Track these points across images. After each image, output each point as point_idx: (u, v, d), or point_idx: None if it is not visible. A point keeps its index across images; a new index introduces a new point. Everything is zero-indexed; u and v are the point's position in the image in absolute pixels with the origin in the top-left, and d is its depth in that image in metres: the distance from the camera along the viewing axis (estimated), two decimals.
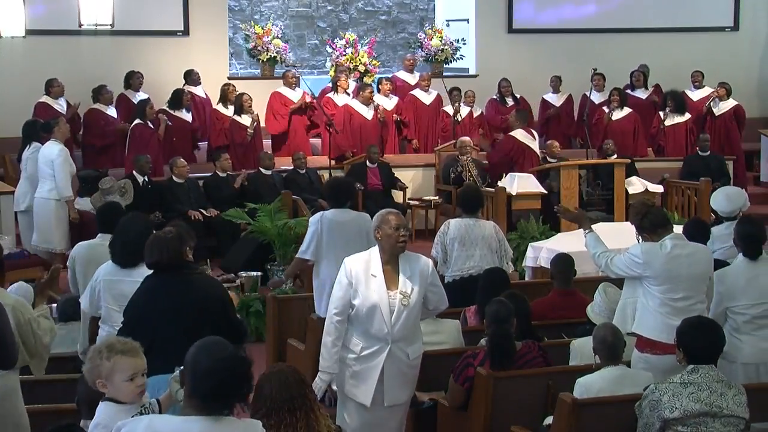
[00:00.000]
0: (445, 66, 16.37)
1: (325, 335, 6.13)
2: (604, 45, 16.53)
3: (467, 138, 13.72)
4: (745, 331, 6.43)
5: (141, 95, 14.14)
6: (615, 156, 13.42)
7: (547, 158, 13.57)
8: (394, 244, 6.10)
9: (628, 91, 15.63)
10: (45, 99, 13.44)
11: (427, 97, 15.09)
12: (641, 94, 15.75)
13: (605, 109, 14.92)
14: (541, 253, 10.04)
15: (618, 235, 8.53)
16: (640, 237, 6.77)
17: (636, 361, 6.30)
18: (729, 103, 15.28)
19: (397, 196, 13.64)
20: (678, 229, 7.14)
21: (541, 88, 15.77)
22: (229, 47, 16.31)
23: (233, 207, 11.40)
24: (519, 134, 13.35)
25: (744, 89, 16.61)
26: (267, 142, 14.36)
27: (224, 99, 14.20)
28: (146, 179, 12.06)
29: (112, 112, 13.73)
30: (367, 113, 14.16)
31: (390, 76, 15.97)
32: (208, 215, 12.01)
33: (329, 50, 16.30)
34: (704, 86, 15.73)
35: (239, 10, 19.40)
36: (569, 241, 10.08)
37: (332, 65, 15.88)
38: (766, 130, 15.60)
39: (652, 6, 16.98)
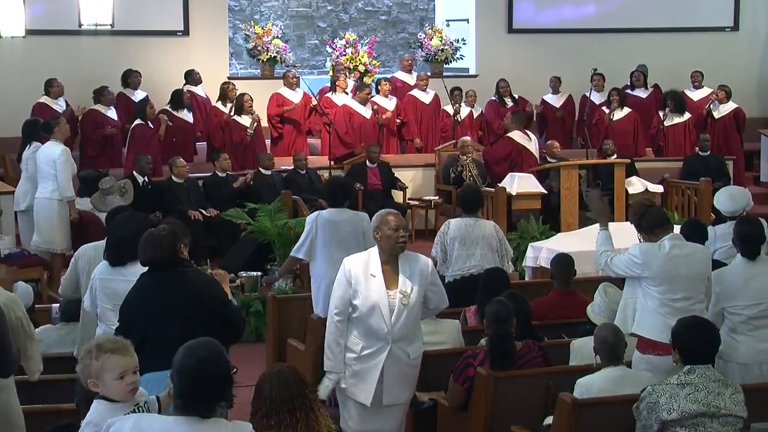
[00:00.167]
0: (445, 66, 16.37)
1: (327, 336, 6.16)
2: (604, 45, 16.53)
3: (468, 138, 13.72)
4: (741, 331, 6.43)
5: (140, 93, 14.14)
6: (615, 156, 13.42)
7: (547, 158, 13.57)
8: (394, 245, 6.10)
9: (628, 90, 15.65)
10: (44, 99, 13.44)
11: (426, 97, 15.09)
12: (641, 93, 15.76)
13: (605, 109, 14.92)
14: (541, 253, 10.04)
15: (618, 235, 8.49)
16: (640, 237, 6.77)
17: (637, 362, 6.30)
18: (729, 106, 15.26)
19: (397, 196, 13.63)
20: (676, 229, 7.15)
21: (541, 89, 15.77)
22: (229, 47, 16.31)
23: (233, 207, 11.40)
24: (516, 135, 13.35)
25: (744, 89, 16.61)
26: (268, 142, 14.37)
27: (224, 97, 14.20)
28: (146, 179, 12.06)
29: (112, 113, 13.72)
30: (366, 112, 14.17)
31: (389, 76, 15.96)
32: (208, 215, 12.00)
33: (329, 50, 16.30)
34: (703, 86, 15.74)
35: (239, 10, 19.40)
36: (569, 241, 10.09)
37: (332, 65, 15.88)
38: (766, 130, 15.60)
39: (652, 6, 16.98)
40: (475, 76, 16.40)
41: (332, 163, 13.42)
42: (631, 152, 14.34)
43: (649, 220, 6.58)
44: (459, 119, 14.71)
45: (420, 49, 16.46)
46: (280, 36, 15.88)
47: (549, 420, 5.94)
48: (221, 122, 13.88)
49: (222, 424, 3.96)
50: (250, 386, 4.49)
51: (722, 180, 13.76)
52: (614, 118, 14.69)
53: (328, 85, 15.11)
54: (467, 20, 16.91)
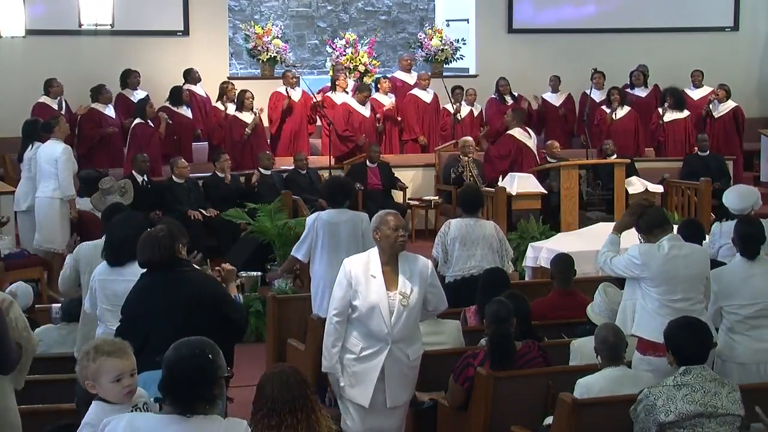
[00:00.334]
0: (445, 66, 16.37)
1: (325, 336, 6.15)
2: (604, 45, 16.54)
3: (469, 138, 13.72)
4: (738, 330, 6.44)
5: (139, 93, 14.14)
6: (615, 156, 13.42)
7: (547, 158, 13.56)
8: (393, 244, 6.10)
9: (628, 89, 15.66)
10: (43, 99, 13.43)
11: (427, 96, 15.09)
12: (641, 92, 15.76)
13: (605, 109, 14.92)
14: (541, 253, 10.04)
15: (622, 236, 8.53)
16: (641, 238, 6.77)
17: (638, 363, 6.29)
18: (728, 105, 15.26)
19: (397, 196, 13.63)
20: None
21: (541, 88, 15.78)
22: (229, 47, 16.31)
23: (233, 207, 11.40)
24: (517, 133, 13.32)
25: (744, 89, 16.61)
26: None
27: (223, 97, 14.20)
28: (145, 179, 12.05)
29: (109, 111, 13.71)
30: (365, 111, 14.18)
31: (389, 76, 15.96)
32: (208, 215, 12.00)
33: (329, 50, 16.31)
34: (703, 86, 15.74)
35: (239, 10, 19.41)
36: (569, 241, 10.09)
37: (332, 65, 15.89)
38: (766, 130, 15.60)
39: (652, 6, 16.98)
40: (475, 76, 16.40)
41: (333, 162, 13.42)
42: (632, 152, 14.34)
43: (648, 220, 6.58)
44: (459, 118, 14.71)
45: (420, 49, 16.46)
46: (280, 36, 15.88)
47: (549, 420, 5.94)
48: (220, 120, 13.87)
49: (216, 421, 3.99)
50: (250, 386, 4.49)
51: (722, 180, 13.78)
52: (616, 117, 14.69)
53: (329, 84, 15.11)
54: (467, 20, 16.91)
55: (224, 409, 5.17)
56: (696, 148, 14.35)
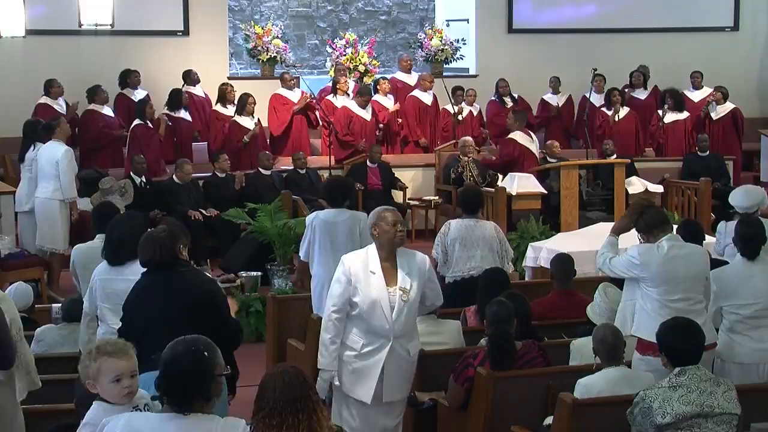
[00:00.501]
0: (445, 66, 16.36)
1: (323, 333, 6.13)
2: (604, 45, 16.54)
3: (469, 138, 13.72)
4: (738, 330, 6.45)
5: (139, 93, 14.14)
6: (615, 156, 13.42)
7: (547, 158, 13.56)
8: (393, 239, 6.11)
9: (626, 90, 15.66)
10: (45, 99, 13.43)
11: (428, 97, 15.08)
12: (641, 94, 15.76)
13: (605, 110, 14.90)
14: (541, 253, 10.04)
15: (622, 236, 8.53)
16: (640, 238, 6.77)
17: (637, 363, 6.29)
18: (726, 107, 15.25)
19: (397, 196, 13.63)
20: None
21: (541, 88, 15.78)
22: (229, 47, 16.30)
23: (233, 207, 11.40)
24: (518, 136, 13.31)
25: (744, 89, 16.62)
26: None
27: (223, 99, 14.19)
28: (143, 179, 12.04)
29: (107, 111, 13.72)
30: (366, 115, 14.17)
31: (389, 77, 15.96)
32: (208, 215, 12.00)
33: (329, 50, 16.30)
34: (703, 87, 15.74)
35: (239, 10, 19.41)
36: (569, 241, 10.09)
37: (332, 65, 15.88)
38: (766, 130, 15.60)
39: (652, 6, 16.97)
40: (475, 76, 16.40)
41: (333, 162, 13.42)
42: (632, 152, 14.35)
43: (647, 220, 6.59)
44: (461, 119, 14.71)
45: (420, 49, 16.46)
46: (280, 36, 15.88)
47: (549, 420, 5.94)
48: (224, 127, 13.82)
49: (214, 420, 4.00)
50: (250, 386, 4.49)
51: (722, 180, 13.79)
52: (619, 119, 14.69)
53: (330, 85, 15.10)
54: (467, 20, 16.91)
55: (227, 407, 5.19)
56: (696, 148, 14.35)
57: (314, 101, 14.27)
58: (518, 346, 6.35)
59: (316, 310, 7.87)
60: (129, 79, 14.24)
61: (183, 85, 14.38)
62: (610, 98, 14.91)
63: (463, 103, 14.88)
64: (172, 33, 15.18)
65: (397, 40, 20.29)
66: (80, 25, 13.61)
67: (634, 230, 6.78)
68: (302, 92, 14.49)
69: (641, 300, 6.45)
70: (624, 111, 14.83)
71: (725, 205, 12.85)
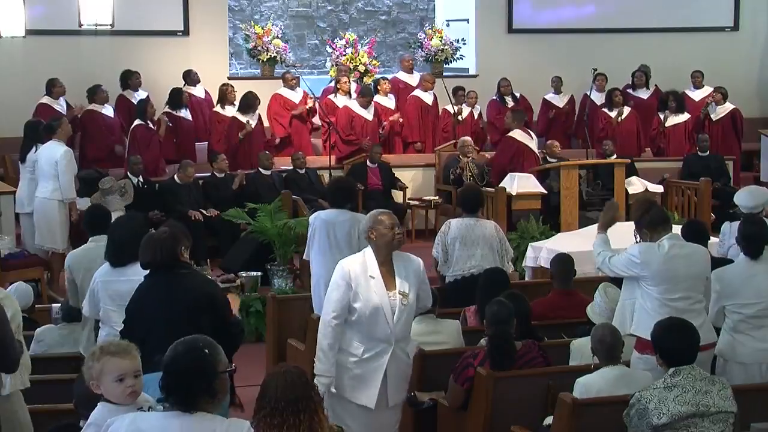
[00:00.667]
0: (445, 66, 16.36)
1: (322, 339, 6.04)
2: (604, 45, 16.53)
3: (468, 138, 13.71)
4: (741, 330, 6.46)
5: (140, 94, 14.13)
6: (615, 156, 13.42)
7: (547, 158, 13.55)
8: (391, 242, 6.08)
9: (629, 90, 15.66)
10: (46, 100, 13.43)
11: (429, 98, 15.07)
12: (642, 94, 15.76)
13: (606, 110, 14.89)
14: (541, 253, 10.04)
15: (618, 235, 8.53)
16: (638, 236, 6.78)
17: (636, 362, 6.30)
18: (726, 108, 15.24)
19: (397, 196, 13.63)
20: (676, 229, 7.15)
21: (541, 88, 15.77)
22: (229, 47, 16.30)
23: (233, 207, 11.40)
24: (517, 134, 13.29)
25: (744, 89, 16.62)
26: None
27: (223, 100, 14.18)
28: (140, 180, 12.03)
29: (107, 111, 13.72)
30: (367, 115, 14.17)
31: (390, 77, 15.96)
32: (209, 215, 12.00)
33: (329, 50, 16.29)
34: (704, 86, 15.73)
35: (239, 10, 19.41)
36: (569, 241, 10.09)
37: (332, 65, 15.88)
38: (766, 130, 15.60)
39: (652, 6, 16.97)
40: (475, 76, 16.39)
41: (333, 162, 13.41)
42: (634, 152, 14.35)
43: (654, 216, 6.64)
44: (460, 119, 14.70)
45: (420, 49, 16.45)
46: (280, 36, 15.87)
47: (549, 420, 5.94)
48: (225, 127, 13.82)
49: (218, 420, 4.00)
50: (250, 386, 4.50)
51: (722, 180, 13.79)
52: (622, 119, 14.70)
53: (333, 85, 15.09)
54: (467, 20, 16.90)
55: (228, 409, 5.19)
56: (696, 148, 14.35)
57: (312, 108, 14.24)
58: (518, 346, 6.35)
59: (316, 309, 7.87)
60: (130, 80, 14.24)
61: (184, 85, 14.38)
62: (611, 98, 14.90)
63: (464, 104, 14.87)
64: (172, 33, 15.18)
65: (397, 40, 20.29)
66: (80, 25, 13.61)
67: (631, 230, 6.79)
68: (303, 92, 14.49)
69: (641, 299, 6.45)
70: (626, 111, 14.84)
71: (725, 205, 12.94)
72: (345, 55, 15.76)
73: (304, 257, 8.55)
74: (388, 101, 14.72)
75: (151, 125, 13.18)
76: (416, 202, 13.61)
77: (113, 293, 6.28)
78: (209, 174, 12.65)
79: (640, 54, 16.36)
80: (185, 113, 13.93)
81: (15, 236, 11.24)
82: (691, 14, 17.08)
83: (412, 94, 15.15)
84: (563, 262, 7.83)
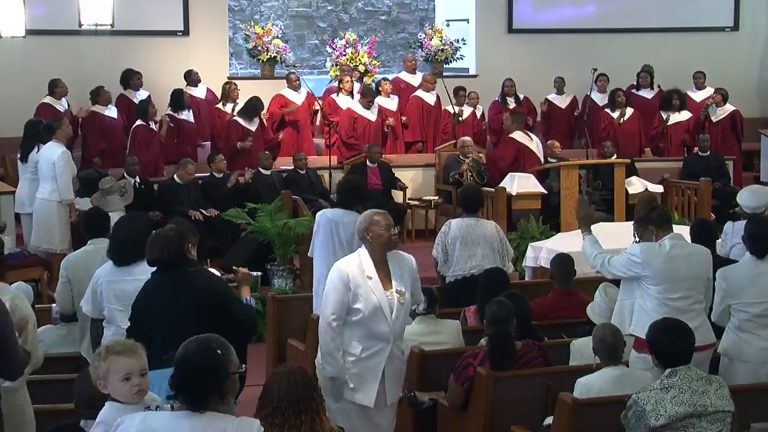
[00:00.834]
0: (445, 66, 16.36)
1: (328, 341, 6.01)
2: (604, 45, 16.53)
3: (468, 138, 13.71)
4: (746, 329, 6.46)
5: (141, 94, 14.13)
6: (615, 156, 13.42)
7: (548, 158, 13.55)
8: (388, 243, 6.08)
9: (633, 90, 15.67)
10: (48, 99, 13.43)
11: (430, 98, 15.07)
12: (647, 94, 15.76)
13: (608, 111, 14.89)
14: (541, 253, 10.05)
15: (618, 236, 8.55)
16: (637, 237, 6.79)
17: (634, 361, 6.31)
18: (726, 109, 15.23)
19: (397, 196, 13.63)
20: (679, 229, 7.17)
21: (542, 88, 15.75)
22: (229, 47, 16.30)
23: (233, 207, 11.40)
24: (518, 136, 13.30)
25: (744, 89, 16.62)
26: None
27: (225, 98, 14.19)
28: (137, 180, 12.01)
29: (110, 112, 13.72)
30: (370, 116, 14.16)
31: (392, 77, 15.97)
32: (209, 215, 11.99)
33: (329, 50, 16.30)
34: (706, 87, 15.73)
35: (239, 10, 19.41)
36: (569, 241, 10.08)
37: (332, 65, 15.88)
38: (766, 130, 15.61)
39: (652, 6, 16.97)
40: (475, 76, 16.39)
41: (333, 163, 13.41)
42: (637, 153, 14.36)
43: (660, 214, 6.68)
44: (461, 119, 14.70)
45: (420, 49, 16.45)
46: (280, 36, 15.87)
47: (549, 420, 5.94)
48: (224, 124, 13.82)
49: (228, 419, 4.01)
50: (250, 386, 4.50)
51: (722, 180, 13.79)
52: (625, 120, 14.71)
53: (335, 85, 15.09)
54: (467, 20, 16.90)
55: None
56: (696, 148, 14.35)
57: (320, 107, 14.26)
58: (518, 346, 6.35)
59: (315, 308, 7.86)
60: (131, 80, 14.23)
61: (185, 86, 14.39)
62: (614, 99, 14.90)
63: (465, 105, 14.87)
64: (172, 33, 15.18)
65: (397, 40, 20.29)
66: (80, 25, 13.61)
67: (628, 230, 6.80)
68: (307, 93, 14.50)
69: (640, 299, 6.46)
70: (629, 112, 14.84)
71: (725, 205, 12.95)
72: (345, 55, 15.77)
73: (308, 254, 8.52)
74: (390, 102, 14.71)
75: (152, 125, 13.18)
76: (416, 202, 13.61)
77: (119, 293, 6.27)
78: (208, 174, 12.65)
79: (640, 54, 16.35)
80: (187, 115, 13.92)
81: (15, 236, 11.24)
82: (691, 14, 17.08)
83: (413, 94, 15.15)
84: (563, 262, 7.83)
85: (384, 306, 6.02)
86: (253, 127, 13.62)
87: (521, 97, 15.37)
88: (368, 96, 14.23)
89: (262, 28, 15.83)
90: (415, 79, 15.62)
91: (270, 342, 8.59)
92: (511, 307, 6.34)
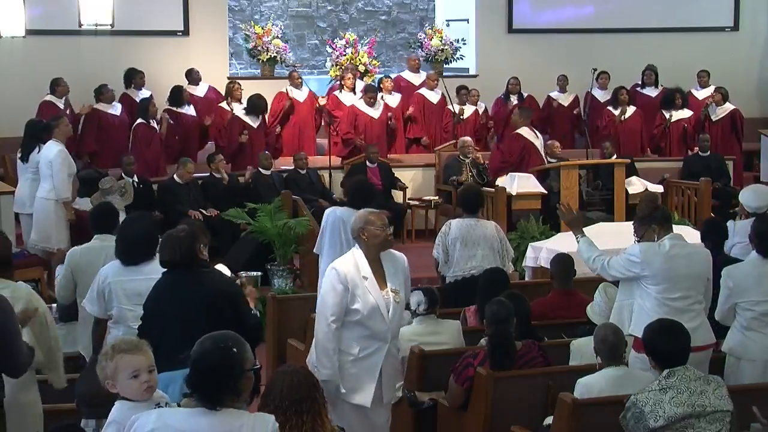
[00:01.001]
0: (445, 66, 16.36)
1: (326, 343, 6.01)
2: (604, 45, 16.53)
3: (468, 138, 13.71)
4: (752, 327, 6.48)
5: (144, 93, 14.14)
6: (615, 156, 13.41)
7: (548, 158, 13.54)
8: (384, 242, 6.10)
9: (638, 89, 15.68)
10: (50, 98, 13.44)
11: (433, 96, 15.06)
12: (651, 92, 15.76)
13: (611, 109, 14.90)
14: (541, 253, 10.05)
15: (618, 236, 8.55)
16: (637, 236, 6.79)
17: (633, 361, 6.30)
18: (726, 108, 15.24)
19: (397, 196, 13.63)
20: (679, 229, 7.17)
21: (542, 88, 15.76)
22: (229, 47, 16.30)
23: (233, 207, 11.40)
24: (525, 132, 13.22)
25: (744, 89, 16.62)
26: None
27: (229, 97, 14.18)
28: (135, 180, 12.01)
29: (114, 110, 13.72)
30: (373, 113, 14.15)
31: (394, 76, 15.97)
32: (209, 215, 11.99)
33: (329, 50, 16.30)
34: (710, 85, 15.73)
35: (239, 10, 19.40)
36: (569, 241, 10.05)
37: (332, 65, 15.89)
38: (766, 130, 15.61)
39: (652, 6, 16.97)
40: (475, 76, 16.39)
41: (335, 163, 13.41)
42: (638, 152, 14.35)
43: (665, 213, 6.70)
44: (462, 119, 14.69)
45: (420, 49, 16.46)
46: (280, 36, 15.87)
47: (549, 420, 5.94)
48: (225, 122, 13.83)
49: (244, 415, 4.02)
50: None
51: (722, 180, 13.79)
52: (625, 117, 14.71)
53: (338, 83, 15.08)
54: (467, 20, 16.90)
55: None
56: (697, 148, 14.36)
57: (324, 105, 14.28)
58: (518, 346, 6.36)
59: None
60: (134, 79, 14.24)
61: (187, 85, 14.39)
62: (617, 97, 14.91)
63: (467, 104, 14.86)
64: (172, 33, 15.17)
65: (397, 40, 20.28)
66: (80, 25, 13.61)
67: (627, 230, 6.80)
68: (309, 91, 14.51)
69: (640, 299, 6.47)
70: (630, 110, 14.85)
71: (725, 205, 12.96)
72: (345, 55, 15.77)
73: (314, 250, 8.53)
74: (392, 99, 14.71)
75: (154, 124, 13.18)
76: (416, 202, 13.61)
77: (131, 292, 6.25)
78: (208, 174, 12.65)
79: (640, 54, 16.35)
80: (187, 109, 13.93)
81: (15, 236, 11.23)
82: (691, 14, 17.08)
83: (417, 92, 15.15)
84: (563, 262, 7.83)
85: (381, 305, 6.03)
86: (255, 124, 13.63)
87: (525, 95, 15.37)
88: (370, 92, 14.22)
89: (262, 28, 15.83)
90: (416, 78, 15.63)
91: (270, 342, 8.59)
92: (511, 307, 6.34)
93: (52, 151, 10.76)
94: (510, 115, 14.39)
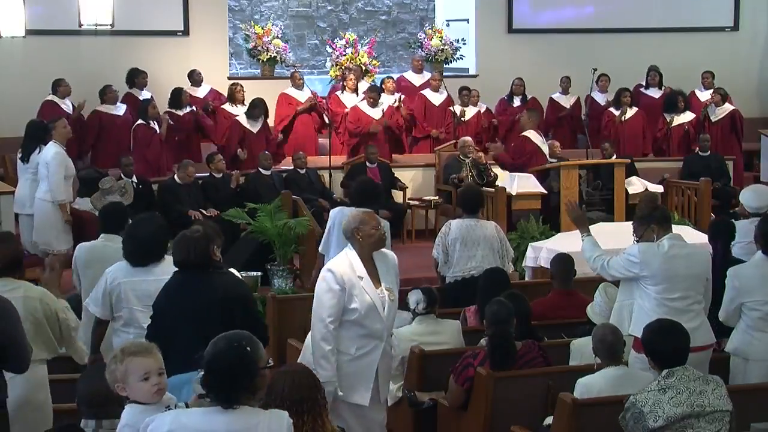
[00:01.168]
0: (445, 66, 16.36)
1: (324, 344, 6.00)
2: (604, 45, 16.54)
3: (468, 138, 13.70)
4: (758, 327, 6.48)
5: (146, 94, 14.14)
6: (615, 156, 13.41)
7: (548, 158, 13.53)
8: (378, 241, 6.12)
9: (642, 89, 15.68)
10: (52, 98, 13.44)
11: (437, 98, 15.04)
12: (654, 93, 15.76)
13: (612, 110, 14.90)
14: (541, 253, 10.05)
15: (618, 236, 8.55)
16: (636, 236, 6.80)
17: (633, 361, 6.31)
18: (725, 109, 15.23)
19: (397, 196, 13.63)
20: (679, 229, 7.17)
21: (542, 88, 15.75)
22: (229, 47, 16.31)
23: (233, 207, 11.39)
24: (532, 135, 13.18)
25: (744, 89, 16.63)
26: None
27: (232, 99, 14.19)
28: (133, 180, 12.00)
29: (118, 111, 13.72)
30: (375, 114, 14.15)
31: (396, 76, 15.97)
32: (209, 215, 11.99)
33: (329, 50, 16.30)
34: (714, 86, 15.73)
35: (239, 10, 19.40)
36: (569, 241, 10.07)
37: (332, 65, 15.89)
38: (766, 130, 15.61)
39: (652, 6, 16.98)
40: (475, 76, 16.39)
41: (335, 163, 13.41)
42: (639, 153, 14.33)
43: (664, 212, 6.68)
44: (463, 119, 14.69)
45: (420, 49, 16.46)
46: (280, 36, 15.88)
47: (549, 420, 5.95)
48: (226, 126, 13.81)
49: (260, 413, 4.04)
50: None
51: (722, 180, 13.79)
52: (625, 119, 14.71)
53: (341, 84, 15.08)
54: (467, 20, 16.91)
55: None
56: (697, 148, 14.36)
57: (322, 101, 14.25)
58: (518, 346, 6.36)
59: None
60: (136, 79, 14.24)
61: (189, 86, 14.39)
62: (619, 98, 14.91)
63: (469, 105, 14.86)
64: (172, 33, 15.18)
65: (397, 40, 20.28)
66: (80, 25, 13.62)
67: (627, 230, 6.80)
68: (311, 92, 14.50)
69: (639, 299, 6.47)
70: (632, 111, 14.85)
71: (725, 205, 12.95)
72: (345, 55, 15.77)
73: (320, 250, 8.54)
74: (391, 100, 14.70)
75: (153, 125, 13.18)
76: (416, 202, 13.60)
77: (141, 293, 6.23)
78: (208, 174, 12.65)
79: (640, 54, 16.36)
80: (187, 111, 13.92)
81: (16, 236, 11.21)
82: (691, 14, 17.09)
83: (420, 93, 15.15)
84: (563, 262, 7.83)
85: (377, 304, 6.05)
86: (255, 129, 13.62)
87: (528, 97, 15.37)
88: (373, 92, 14.21)
89: (262, 28, 15.84)
90: (419, 79, 15.63)
91: (270, 342, 8.57)
92: (511, 307, 6.34)
93: (49, 152, 10.76)
94: (515, 116, 14.39)
